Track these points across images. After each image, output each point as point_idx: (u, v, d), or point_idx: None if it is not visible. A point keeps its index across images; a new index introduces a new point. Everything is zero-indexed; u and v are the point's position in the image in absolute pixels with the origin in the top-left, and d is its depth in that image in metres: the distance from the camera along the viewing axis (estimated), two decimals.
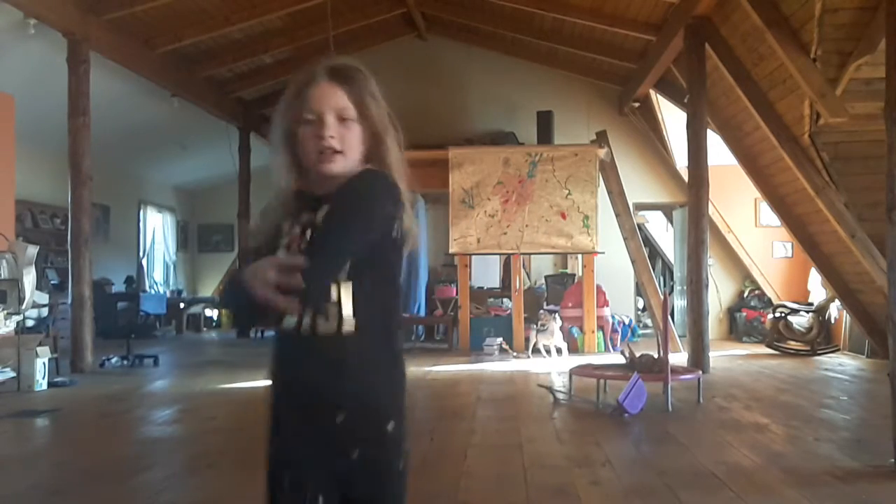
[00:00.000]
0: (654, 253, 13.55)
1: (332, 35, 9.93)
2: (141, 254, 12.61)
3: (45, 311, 7.25)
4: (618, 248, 9.55)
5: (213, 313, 13.57)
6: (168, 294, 12.79)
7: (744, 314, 10.21)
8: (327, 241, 1.16)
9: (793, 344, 8.61)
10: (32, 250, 6.19)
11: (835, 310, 8.57)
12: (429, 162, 8.73)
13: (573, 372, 5.49)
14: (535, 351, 8.32)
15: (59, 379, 6.39)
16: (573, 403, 5.30)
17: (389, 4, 10.03)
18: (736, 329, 10.37)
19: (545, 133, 9.68)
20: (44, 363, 6.10)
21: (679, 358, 6.85)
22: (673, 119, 9.66)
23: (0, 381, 5.89)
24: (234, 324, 2.31)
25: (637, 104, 10.13)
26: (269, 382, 1.30)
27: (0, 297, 5.96)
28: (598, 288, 9.05)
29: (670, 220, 11.87)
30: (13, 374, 5.94)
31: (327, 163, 1.27)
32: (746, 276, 10.55)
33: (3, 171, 7.14)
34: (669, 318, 6.49)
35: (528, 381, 6.50)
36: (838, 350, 8.41)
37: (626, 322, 9.67)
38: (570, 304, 9.08)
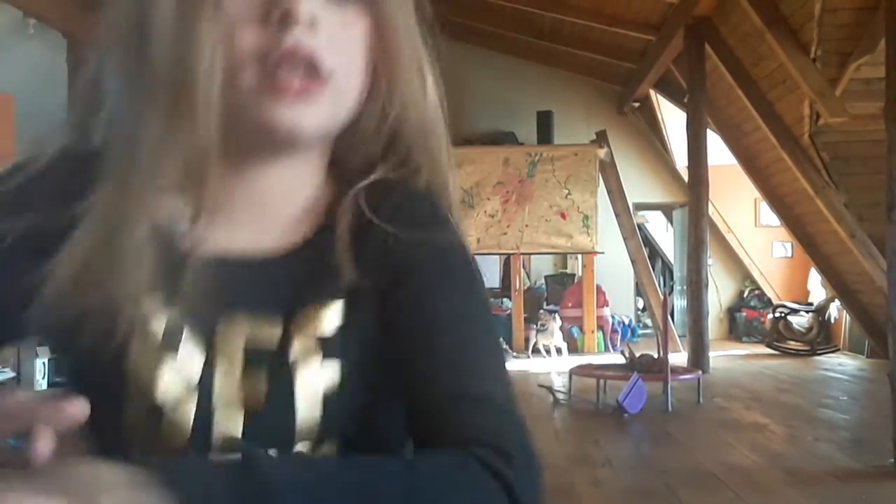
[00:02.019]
0: (654, 253, 13.55)
1: None
2: None
3: None
4: (618, 248, 9.55)
5: None
6: None
7: (744, 314, 10.21)
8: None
9: (793, 344, 8.61)
10: None
11: (834, 310, 8.57)
12: None
13: (573, 372, 5.49)
14: (535, 351, 8.32)
15: (59, 379, 6.39)
16: (573, 403, 5.30)
17: None
18: (736, 329, 10.36)
19: (545, 133, 9.68)
20: (44, 363, 6.10)
21: (679, 358, 6.85)
22: (673, 119, 9.65)
23: (0, 382, 5.89)
24: None
25: (637, 104, 10.13)
26: None
27: None
28: (598, 288, 9.05)
29: (670, 220, 11.87)
30: (13, 375, 5.94)
31: (294, 101, 0.51)
32: (746, 276, 10.55)
33: None
34: (669, 318, 6.49)
35: (527, 380, 6.50)
36: (838, 350, 8.41)
37: (626, 322, 9.68)
38: (569, 304, 9.09)
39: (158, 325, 0.52)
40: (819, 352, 8.32)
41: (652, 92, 9.74)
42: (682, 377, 5.27)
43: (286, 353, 0.53)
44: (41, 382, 6.02)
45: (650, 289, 9.27)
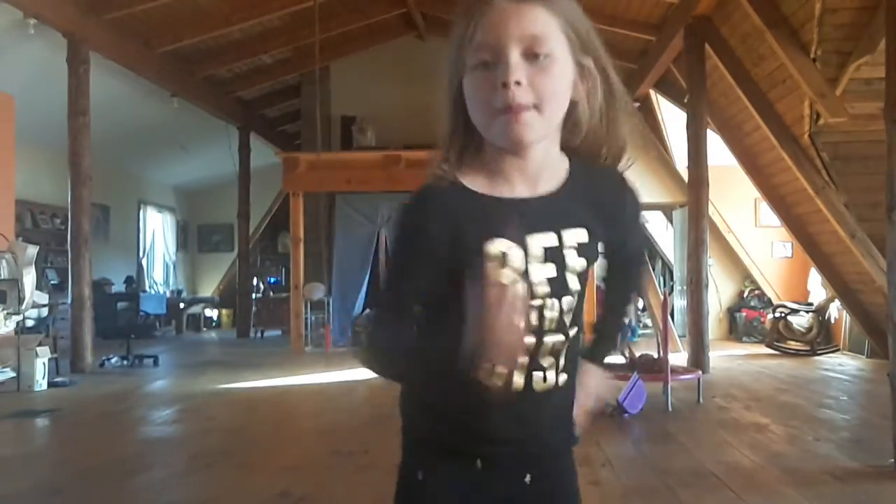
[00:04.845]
0: (654, 253, 13.55)
1: (331, 35, 9.93)
2: (141, 254, 12.62)
3: (45, 311, 7.25)
4: None
5: (212, 313, 13.59)
6: (168, 294, 12.80)
7: (744, 314, 10.21)
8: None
9: (793, 344, 8.61)
10: (32, 250, 6.19)
11: (835, 310, 8.57)
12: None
13: None
14: None
15: (58, 379, 6.39)
16: None
17: (389, 4, 10.03)
18: (736, 329, 10.36)
19: None
20: (44, 363, 6.10)
21: (679, 358, 6.85)
22: (673, 119, 9.65)
23: (0, 381, 5.89)
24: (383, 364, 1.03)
25: (637, 104, 10.11)
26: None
27: (0, 297, 5.97)
28: (598, 288, 9.04)
29: (670, 220, 11.86)
30: (13, 374, 5.94)
31: (512, 125, 0.84)
32: (746, 276, 10.55)
33: (3, 171, 7.14)
34: (669, 318, 6.49)
35: None
36: (838, 350, 8.41)
37: (626, 322, 9.66)
38: None
39: (497, 246, 0.88)
40: (819, 352, 8.32)
41: (652, 92, 9.73)
42: (682, 377, 5.27)
43: (562, 251, 0.92)
44: (41, 382, 6.03)
45: (650, 289, 9.26)
